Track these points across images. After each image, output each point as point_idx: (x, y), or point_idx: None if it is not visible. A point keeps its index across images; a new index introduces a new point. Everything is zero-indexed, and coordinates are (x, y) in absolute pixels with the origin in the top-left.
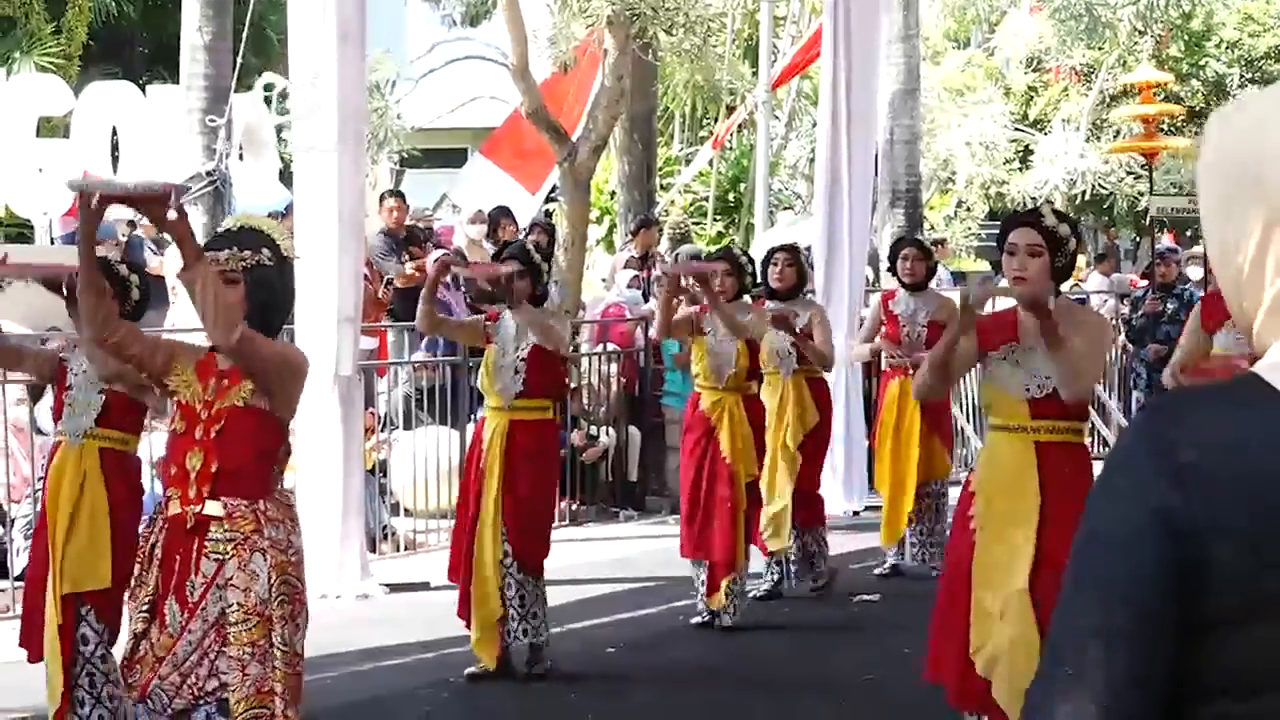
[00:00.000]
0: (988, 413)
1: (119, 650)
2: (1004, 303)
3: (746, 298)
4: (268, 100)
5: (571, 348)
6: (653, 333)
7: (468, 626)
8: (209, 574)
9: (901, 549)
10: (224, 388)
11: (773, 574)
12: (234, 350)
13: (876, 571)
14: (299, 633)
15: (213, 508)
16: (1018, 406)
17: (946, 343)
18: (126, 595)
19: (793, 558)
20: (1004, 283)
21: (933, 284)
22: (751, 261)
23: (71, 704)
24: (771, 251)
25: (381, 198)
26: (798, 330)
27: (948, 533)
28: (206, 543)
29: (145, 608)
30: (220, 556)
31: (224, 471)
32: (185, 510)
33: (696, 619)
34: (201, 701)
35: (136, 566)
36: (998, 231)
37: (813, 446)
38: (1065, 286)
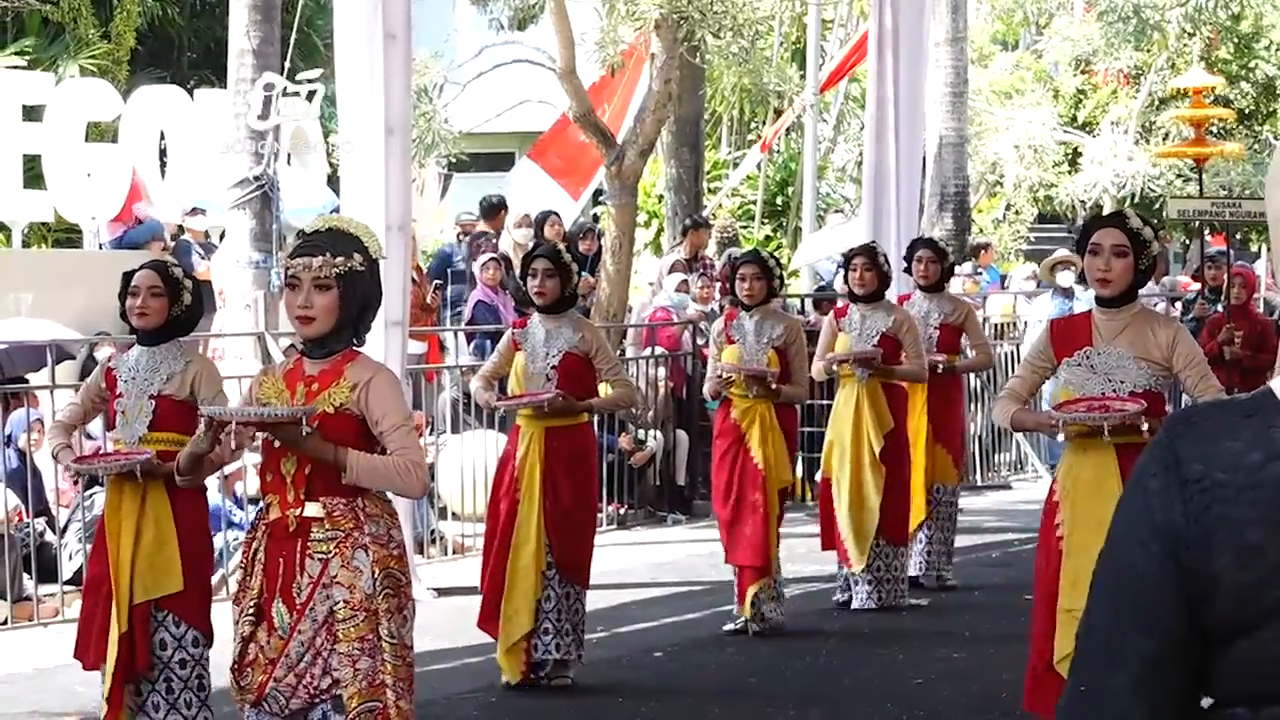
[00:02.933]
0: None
1: (215, 654)
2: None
3: (777, 302)
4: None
5: (617, 352)
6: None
7: (493, 637)
8: (314, 574)
9: (927, 560)
10: (313, 392)
11: (844, 587)
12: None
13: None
14: (406, 624)
15: (312, 509)
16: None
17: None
18: (231, 600)
19: (871, 577)
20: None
21: (969, 287)
22: (779, 265)
23: (144, 709)
24: (849, 255)
25: None
26: (877, 360)
27: (953, 540)
28: (309, 544)
29: (251, 612)
30: (324, 556)
31: (318, 473)
32: (286, 514)
33: (729, 626)
34: (316, 700)
35: (240, 572)
36: (1078, 234)
37: (893, 456)
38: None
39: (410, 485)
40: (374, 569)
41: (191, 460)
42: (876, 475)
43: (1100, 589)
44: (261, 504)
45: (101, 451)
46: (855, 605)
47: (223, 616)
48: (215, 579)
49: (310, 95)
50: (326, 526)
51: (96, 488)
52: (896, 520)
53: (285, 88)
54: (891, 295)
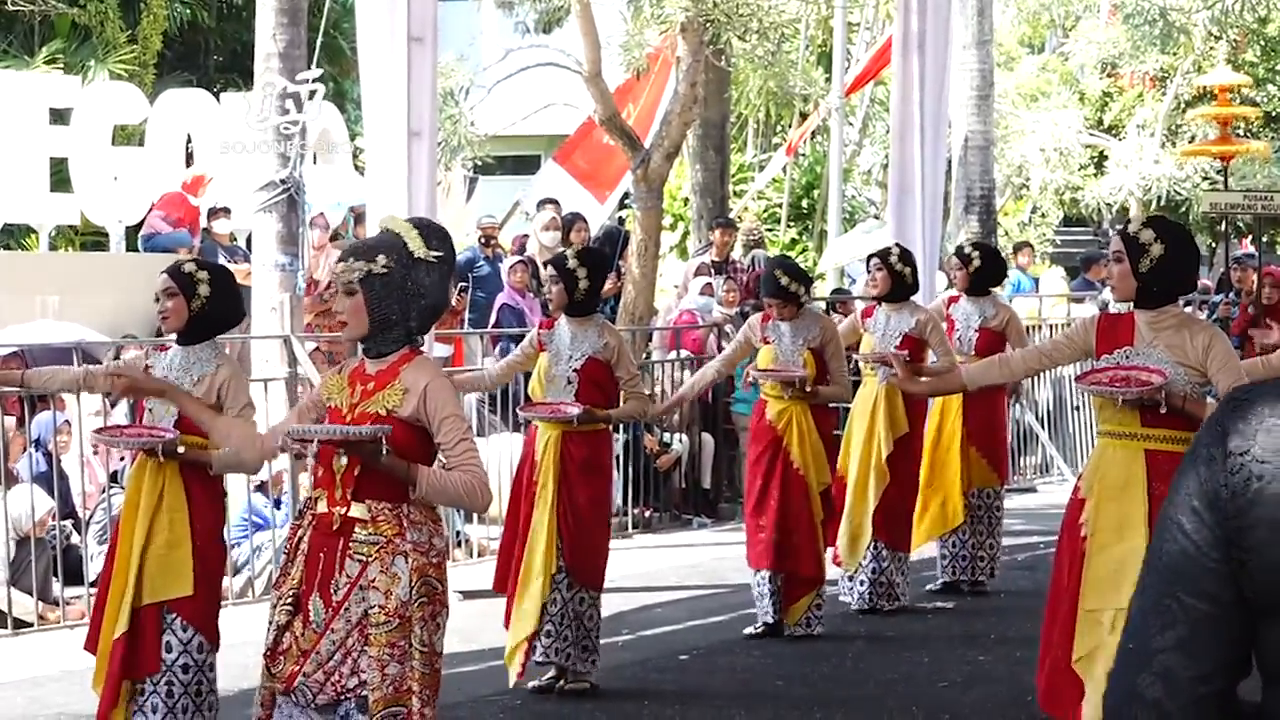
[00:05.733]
0: (1097, 418)
1: (222, 644)
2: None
3: (816, 306)
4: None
5: (643, 355)
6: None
7: None
8: (353, 575)
9: (953, 562)
10: (368, 392)
11: (848, 590)
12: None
13: (928, 588)
14: (439, 631)
15: (358, 510)
16: (1129, 414)
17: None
18: (273, 589)
19: (864, 578)
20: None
21: (1005, 290)
22: (800, 273)
23: (143, 709)
24: (869, 258)
25: None
26: (900, 363)
27: (996, 545)
28: (351, 544)
29: (289, 601)
30: (364, 558)
31: (367, 475)
32: (332, 511)
33: (750, 630)
34: (343, 697)
35: (282, 558)
36: (1098, 237)
37: (903, 462)
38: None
39: (475, 504)
40: (412, 576)
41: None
42: (879, 479)
43: (1154, 551)
44: (311, 494)
45: (125, 427)
46: (852, 606)
47: (237, 620)
48: (240, 583)
49: (310, 95)
50: (370, 529)
51: (116, 488)
52: (896, 525)
53: (285, 88)
54: (920, 298)
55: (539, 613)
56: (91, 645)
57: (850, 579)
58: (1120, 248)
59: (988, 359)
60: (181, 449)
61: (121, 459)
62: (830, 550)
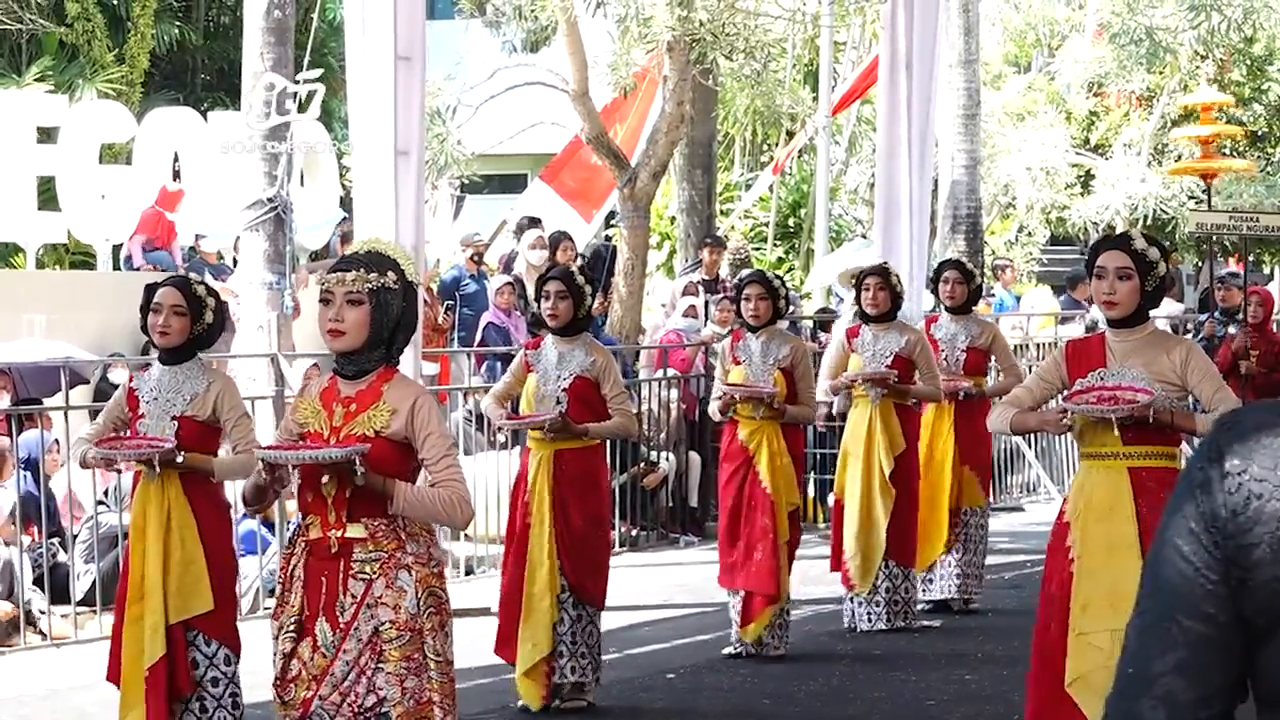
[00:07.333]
0: (1078, 441)
1: (240, 668)
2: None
3: (783, 323)
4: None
5: (630, 374)
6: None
7: (510, 662)
8: (358, 594)
9: (956, 583)
10: (351, 413)
11: (852, 611)
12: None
13: (918, 607)
14: (449, 640)
15: (355, 530)
16: (1109, 434)
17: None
18: (270, 617)
19: (880, 599)
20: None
21: (982, 309)
22: (785, 285)
23: None
24: (862, 275)
25: None
26: (891, 381)
27: (981, 563)
28: (353, 564)
29: (292, 628)
30: (367, 577)
31: (360, 495)
32: (327, 535)
33: (728, 650)
34: (360, 717)
35: (278, 587)
36: (1085, 256)
37: (904, 479)
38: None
39: (455, 519)
40: (417, 588)
41: (256, 491)
42: (886, 497)
43: (1150, 575)
44: (300, 521)
45: (124, 438)
46: (863, 626)
47: (246, 632)
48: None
49: (310, 95)
50: (369, 547)
51: (103, 507)
52: (904, 542)
53: (286, 88)
54: (904, 316)
55: (551, 634)
56: (114, 672)
57: (864, 601)
58: (1129, 264)
59: (1000, 410)
60: (180, 457)
61: (120, 472)
62: (808, 572)
